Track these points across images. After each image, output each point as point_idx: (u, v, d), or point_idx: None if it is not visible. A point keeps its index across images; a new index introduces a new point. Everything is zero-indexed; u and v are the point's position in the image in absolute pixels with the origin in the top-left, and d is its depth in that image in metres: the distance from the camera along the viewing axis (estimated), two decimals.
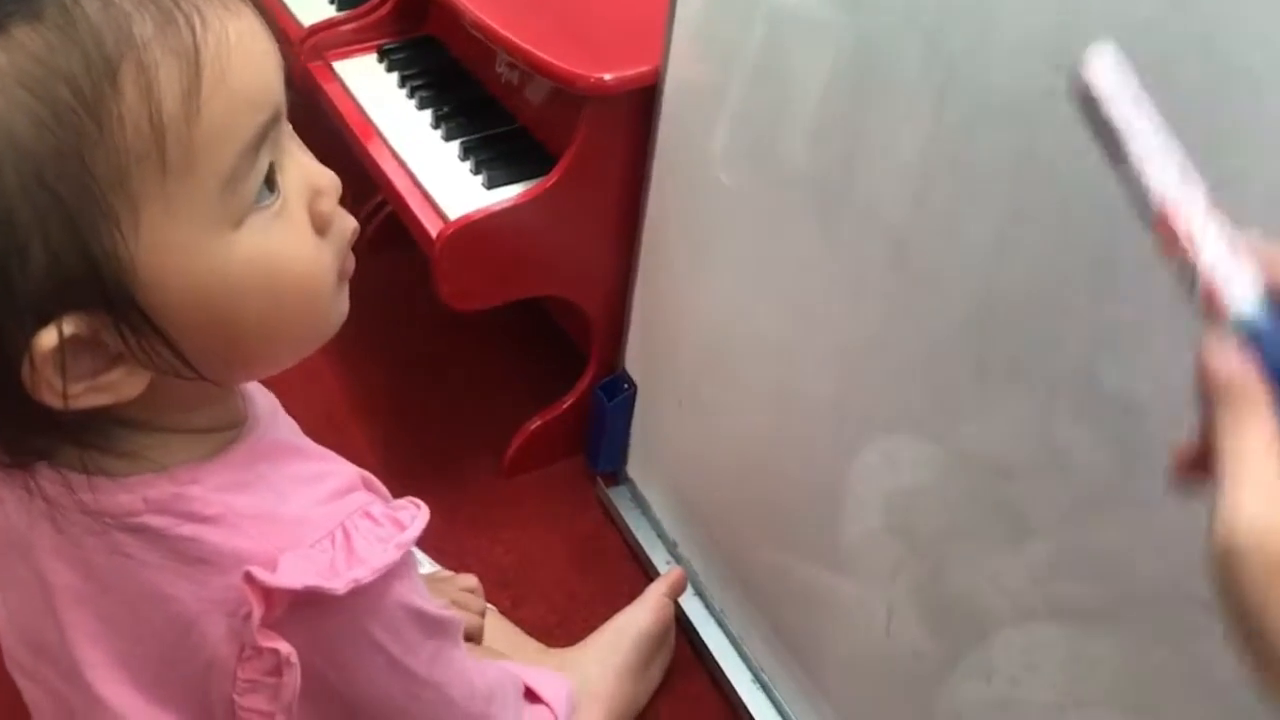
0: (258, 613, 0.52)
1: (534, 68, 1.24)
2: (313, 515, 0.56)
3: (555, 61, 1.21)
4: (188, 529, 0.54)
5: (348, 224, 0.56)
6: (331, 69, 1.59)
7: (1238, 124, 0.60)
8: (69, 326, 0.46)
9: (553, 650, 1.13)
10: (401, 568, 0.58)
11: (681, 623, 1.21)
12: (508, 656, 1.07)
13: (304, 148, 0.55)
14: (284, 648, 0.54)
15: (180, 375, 0.50)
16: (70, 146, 0.44)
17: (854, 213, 0.92)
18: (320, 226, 0.54)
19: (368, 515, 0.58)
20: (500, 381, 1.62)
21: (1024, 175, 0.74)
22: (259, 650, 0.54)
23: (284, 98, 0.52)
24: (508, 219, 1.25)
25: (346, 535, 0.56)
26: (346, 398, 1.57)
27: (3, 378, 0.47)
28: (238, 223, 0.49)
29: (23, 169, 0.43)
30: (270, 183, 0.51)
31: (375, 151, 1.42)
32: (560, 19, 1.32)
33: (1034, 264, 0.74)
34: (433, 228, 1.27)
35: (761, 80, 1.03)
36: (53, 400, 0.48)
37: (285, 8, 1.78)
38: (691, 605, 1.24)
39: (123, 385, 0.49)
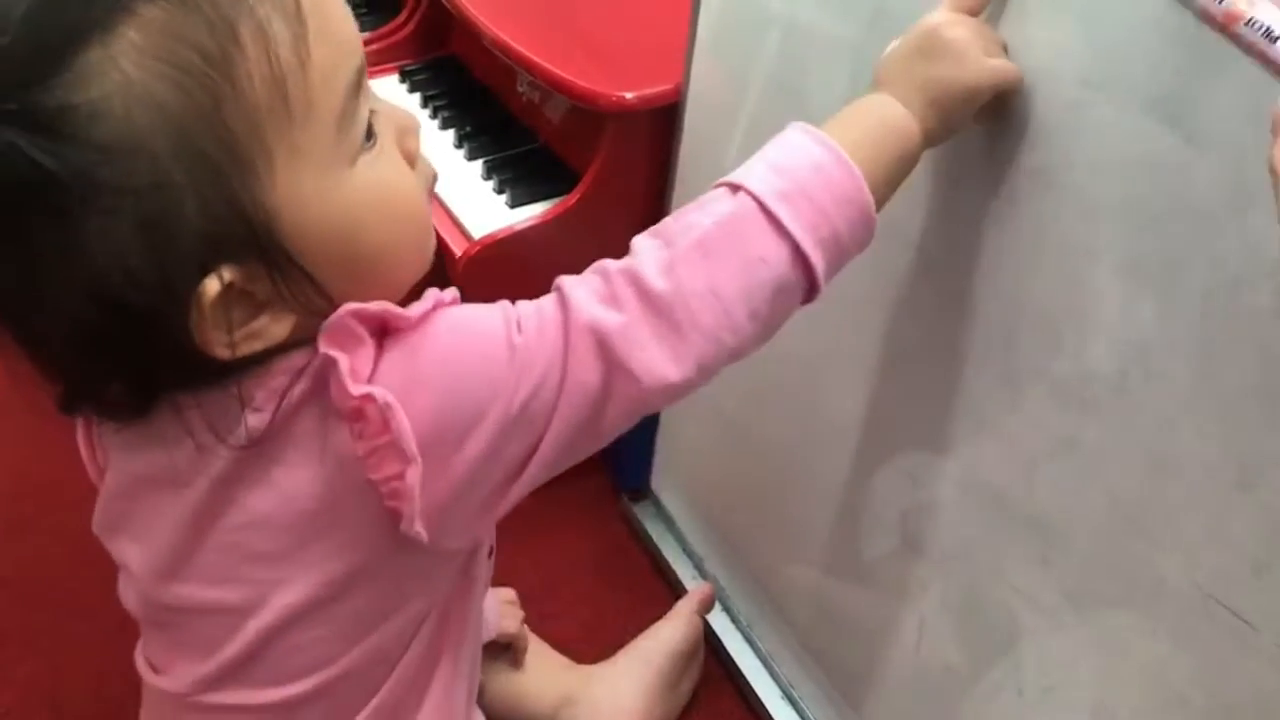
0: (344, 361, 0.53)
1: (555, 87, 1.25)
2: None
3: (576, 80, 1.22)
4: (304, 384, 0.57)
5: (429, 164, 0.64)
6: None
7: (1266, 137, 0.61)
8: (227, 275, 0.51)
9: (580, 666, 1.13)
10: (462, 306, 0.60)
11: (710, 639, 1.21)
12: (536, 673, 1.08)
13: (379, 96, 0.60)
14: (377, 391, 0.53)
15: (321, 311, 0.55)
16: (209, 107, 0.48)
17: (879, 228, 0.92)
18: (410, 160, 0.61)
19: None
20: None
21: (1048, 188, 0.74)
22: (360, 411, 0.54)
23: (361, 49, 0.58)
24: (531, 237, 1.26)
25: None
26: None
27: (170, 330, 0.51)
28: (353, 161, 0.55)
29: (171, 134, 0.47)
30: (370, 127, 0.56)
31: None
32: (581, 38, 1.33)
33: (1059, 274, 0.75)
34: (457, 247, 1.28)
35: (781, 97, 1.04)
36: (220, 350, 0.52)
37: None
38: (719, 621, 1.24)
39: (272, 329, 0.54)
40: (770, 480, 1.18)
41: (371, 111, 0.57)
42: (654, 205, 1.28)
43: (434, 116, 1.51)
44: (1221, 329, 0.64)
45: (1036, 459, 0.80)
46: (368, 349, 0.55)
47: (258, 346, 0.54)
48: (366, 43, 1.65)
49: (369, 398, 0.53)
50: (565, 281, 0.62)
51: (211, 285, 0.50)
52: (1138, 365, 0.70)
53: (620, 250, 1.30)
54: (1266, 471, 0.63)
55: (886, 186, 0.67)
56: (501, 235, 1.25)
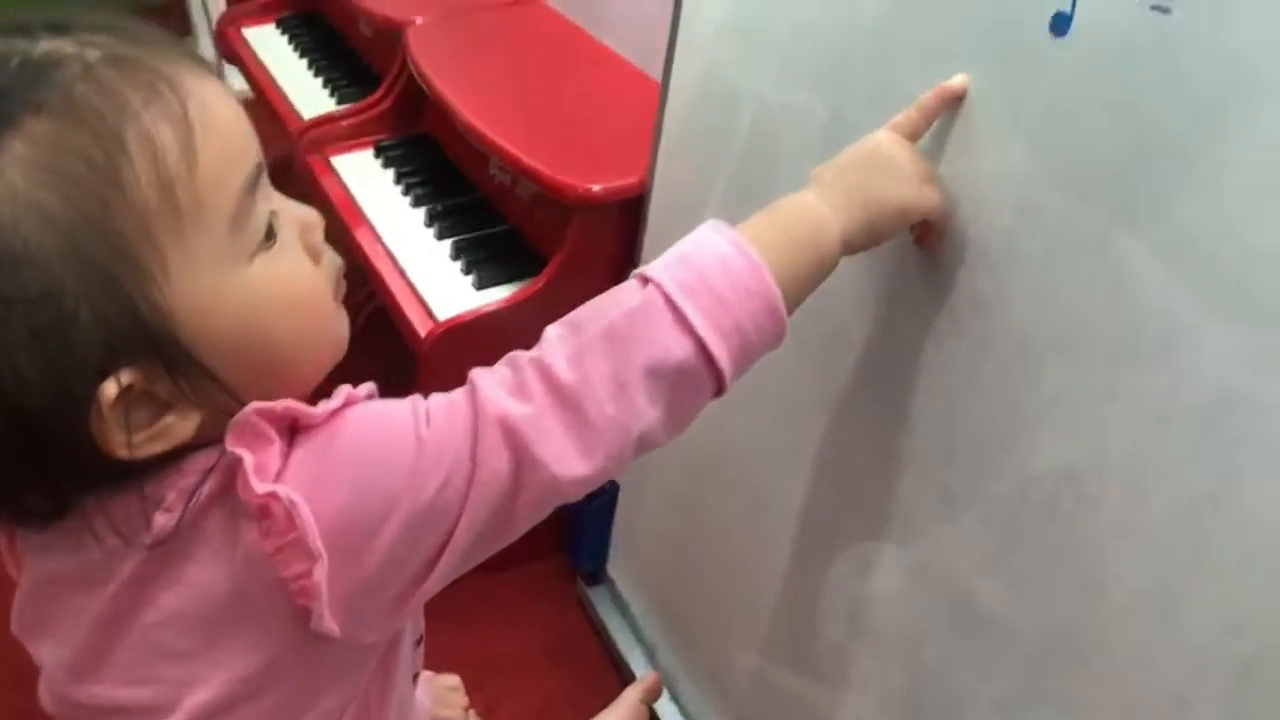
0: (249, 459, 0.53)
1: (525, 175, 1.28)
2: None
3: (545, 170, 1.24)
4: (212, 483, 0.56)
5: (336, 257, 0.63)
6: (329, 163, 1.63)
7: (1189, 275, 0.62)
8: (126, 377, 0.51)
9: None
10: (375, 402, 0.60)
11: None
12: None
13: (282, 194, 0.61)
14: (280, 489, 0.53)
15: (228, 409, 0.54)
16: (98, 215, 0.49)
17: (827, 332, 0.94)
18: (314, 256, 0.61)
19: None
20: None
21: (985, 313, 0.76)
22: (266, 509, 0.53)
23: (260, 150, 0.58)
24: (496, 321, 1.28)
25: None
26: None
27: (71, 436, 0.51)
28: (250, 259, 0.55)
29: (60, 242, 0.48)
30: (269, 227, 0.57)
31: (368, 247, 1.45)
32: (552, 127, 1.36)
33: (998, 397, 0.76)
34: (421, 327, 1.29)
35: (742, 194, 1.06)
36: (120, 451, 0.52)
37: (286, 100, 1.83)
38: (666, 710, 1.23)
39: (177, 429, 0.54)
40: (722, 568, 1.18)
41: (272, 211, 0.57)
42: None
43: (406, 193, 1.53)
44: (1150, 459, 0.66)
45: (971, 572, 0.81)
46: (276, 447, 0.55)
47: (162, 447, 0.54)
48: (343, 116, 1.69)
49: (274, 496, 0.53)
50: (476, 373, 0.62)
51: (109, 389, 0.50)
52: (1070, 489, 0.71)
53: None
54: (1189, 605, 0.64)
55: (797, 284, 0.68)
56: (467, 317, 1.27)
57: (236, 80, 2.56)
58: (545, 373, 0.59)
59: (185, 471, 0.56)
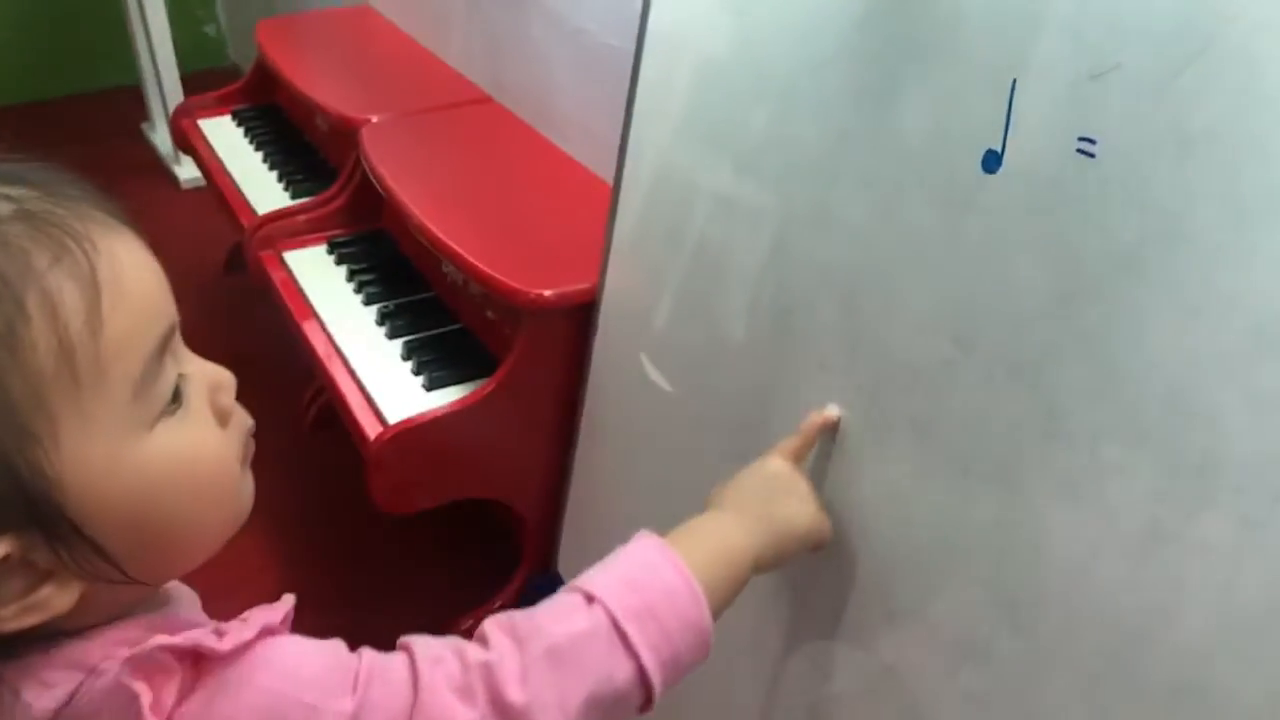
0: (147, 697, 0.50)
1: (477, 279, 1.29)
2: (193, 631, 0.54)
3: (498, 276, 1.26)
4: (74, 680, 0.52)
5: (246, 417, 0.59)
6: (281, 259, 1.63)
7: (1117, 413, 0.64)
8: (2, 547, 0.47)
9: None
10: (295, 640, 0.56)
11: None
12: None
13: (193, 353, 0.58)
14: None
15: (112, 580, 0.51)
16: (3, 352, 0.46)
17: (770, 442, 0.94)
18: (222, 419, 0.57)
19: (238, 620, 0.56)
20: (432, 576, 1.62)
21: (923, 435, 0.78)
22: None
23: (175, 308, 0.55)
24: (446, 424, 1.27)
25: (219, 630, 0.54)
26: (276, 585, 1.55)
27: None
28: (151, 425, 0.52)
29: None
30: (176, 391, 0.53)
31: (319, 346, 1.45)
32: (504, 230, 1.37)
33: (934, 525, 0.77)
34: (371, 430, 1.28)
35: (690, 303, 1.07)
36: None
37: (240, 194, 1.84)
38: None
39: (55, 600, 0.50)
40: None
41: (181, 375, 0.54)
42: (568, 395, 1.31)
43: (358, 291, 1.54)
44: (1083, 591, 0.67)
45: (917, 692, 0.81)
46: (176, 678, 0.51)
47: (34, 620, 0.50)
48: (298, 212, 1.70)
49: None
50: (418, 652, 0.59)
51: None
52: (1008, 616, 0.72)
53: (532, 437, 1.33)
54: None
55: (720, 609, 0.71)
56: (417, 421, 1.27)
57: (191, 170, 2.58)
58: (494, 686, 0.58)
59: (54, 661, 0.52)
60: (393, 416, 1.28)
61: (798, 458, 0.83)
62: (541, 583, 1.39)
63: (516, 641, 0.60)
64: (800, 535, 0.79)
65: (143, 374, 0.51)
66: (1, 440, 0.47)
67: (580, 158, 1.52)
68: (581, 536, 1.35)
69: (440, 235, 1.34)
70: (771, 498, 0.79)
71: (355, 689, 0.54)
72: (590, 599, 0.63)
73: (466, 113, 1.72)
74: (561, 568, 1.38)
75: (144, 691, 0.49)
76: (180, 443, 0.53)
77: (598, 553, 1.31)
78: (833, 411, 0.85)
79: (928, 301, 0.77)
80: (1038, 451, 0.69)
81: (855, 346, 0.84)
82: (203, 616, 0.63)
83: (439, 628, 1.50)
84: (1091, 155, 0.65)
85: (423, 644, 0.59)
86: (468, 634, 1.52)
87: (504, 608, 1.46)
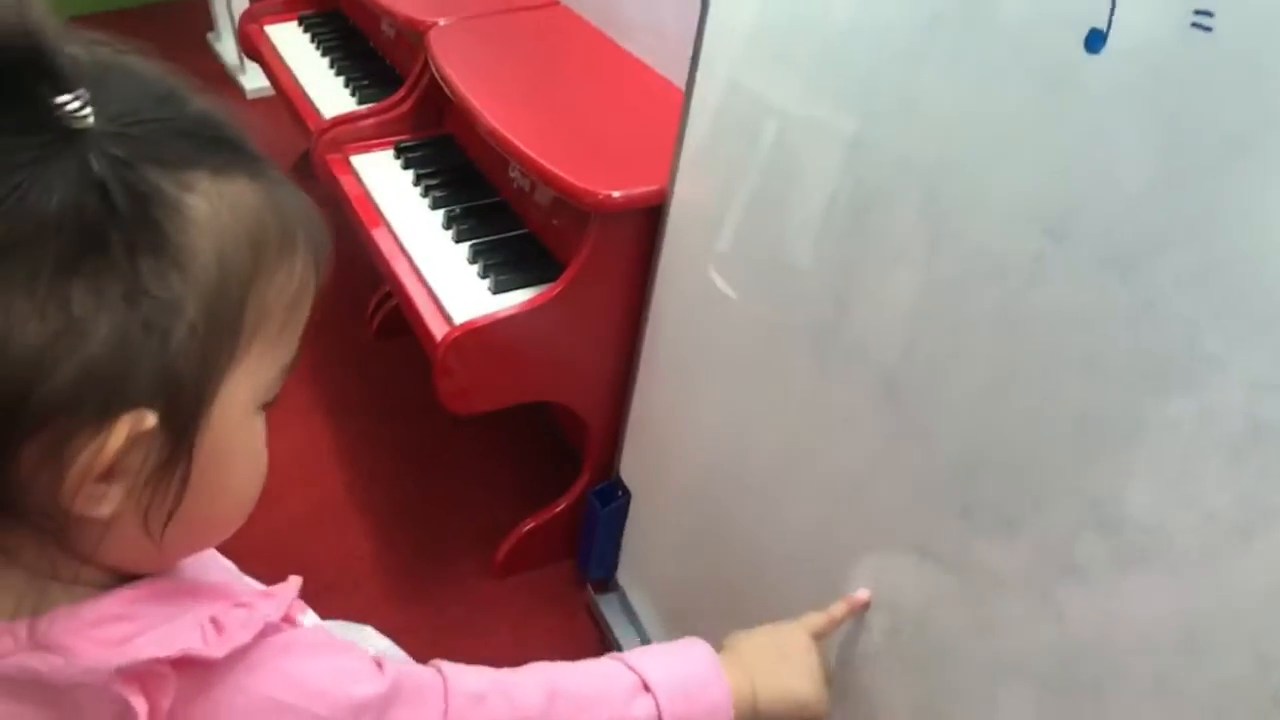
0: (143, 708, 0.49)
1: (545, 181, 1.27)
2: (185, 618, 0.53)
3: (566, 176, 1.24)
4: (58, 665, 0.50)
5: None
6: (349, 162, 1.63)
7: (1230, 300, 0.62)
8: (152, 418, 0.47)
9: None
10: (300, 643, 0.56)
11: None
12: None
13: None
14: None
15: (147, 529, 0.50)
16: (247, 275, 0.49)
17: (845, 348, 0.93)
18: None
19: (240, 605, 0.54)
20: (496, 479, 1.63)
21: (1011, 333, 0.75)
22: None
23: None
24: (512, 326, 1.27)
25: (217, 623, 0.53)
26: (344, 487, 1.57)
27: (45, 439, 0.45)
28: (262, 410, 0.54)
29: (214, 275, 0.47)
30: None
31: (386, 249, 1.44)
32: (573, 133, 1.35)
33: (1018, 420, 0.75)
34: (438, 331, 1.28)
35: (762, 209, 1.05)
36: (53, 478, 0.46)
37: (307, 98, 1.83)
38: None
39: (105, 502, 0.48)
40: (734, 580, 1.17)
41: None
42: (634, 300, 1.29)
43: (425, 195, 1.53)
44: (1176, 490, 0.65)
45: (988, 596, 0.80)
46: (172, 682, 0.50)
47: (87, 508, 0.47)
48: (364, 116, 1.69)
49: None
50: (453, 686, 0.62)
51: (147, 419, 0.46)
52: (1092, 515, 0.70)
53: (597, 343, 1.32)
54: (1215, 640, 0.63)
55: None
56: (483, 322, 1.26)
57: (256, 80, 2.58)
58: None
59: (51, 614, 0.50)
60: (459, 317, 1.28)
61: (819, 635, 0.88)
62: (604, 490, 1.39)
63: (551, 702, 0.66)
64: (798, 706, 0.82)
65: (293, 361, 0.54)
66: (220, 329, 0.48)
67: (650, 61, 1.49)
68: (643, 445, 1.35)
69: (508, 136, 1.32)
70: (782, 664, 0.83)
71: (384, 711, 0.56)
72: (645, 688, 0.69)
73: (533, 16, 1.69)
74: (624, 474, 1.38)
75: (140, 707, 0.49)
76: (260, 436, 0.55)
77: (659, 462, 1.31)
78: (863, 594, 0.91)
79: (1018, 191, 0.74)
80: (1130, 345, 0.66)
81: (938, 240, 0.81)
82: (215, 568, 0.62)
83: (502, 531, 1.51)
84: (1207, 29, 0.62)
85: (457, 675, 0.62)
86: (528, 537, 1.53)
87: (567, 512, 1.48)
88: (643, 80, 1.48)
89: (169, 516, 0.49)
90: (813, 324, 0.97)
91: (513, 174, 1.48)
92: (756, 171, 1.06)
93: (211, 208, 0.47)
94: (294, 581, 0.57)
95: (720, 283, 1.13)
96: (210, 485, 0.51)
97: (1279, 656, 0.59)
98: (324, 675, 0.56)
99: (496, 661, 1.33)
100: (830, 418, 0.97)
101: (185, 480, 0.49)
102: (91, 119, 0.44)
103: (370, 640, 0.97)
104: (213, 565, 0.61)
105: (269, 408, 0.54)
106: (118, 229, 0.44)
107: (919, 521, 0.86)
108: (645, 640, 1.34)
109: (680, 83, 1.19)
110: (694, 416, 1.23)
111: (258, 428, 0.54)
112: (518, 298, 1.32)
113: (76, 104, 0.43)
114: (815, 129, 0.96)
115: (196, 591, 0.55)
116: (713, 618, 1.23)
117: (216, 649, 0.51)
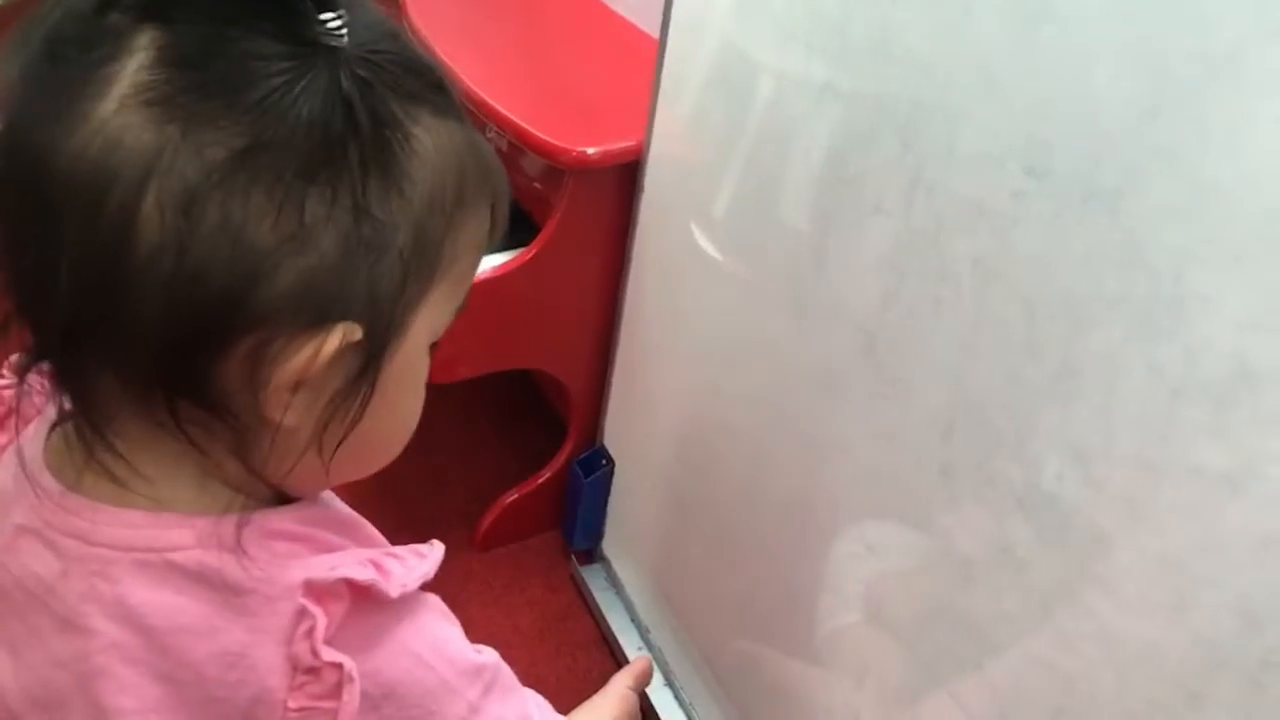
0: (322, 622, 0.50)
1: (517, 138, 1.23)
2: (349, 555, 0.54)
3: (538, 133, 1.19)
4: (233, 566, 0.51)
5: None
6: None
7: (1206, 235, 0.57)
8: (357, 333, 0.48)
9: None
10: (437, 607, 0.58)
11: (649, 713, 1.17)
12: None
13: None
14: (347, 662, 0.50)
15: (320, 447, 0.51)
16: (450, 212, 0.51)
17: (824, 303, 0.89)
18: None
19: (391, 554, 0.56)
20: (478, 449, 1.59)
21: (989, 278, 0.71)
22: (317, 671, 0.50)
23: None
24: (488, 291, 1.23)
25: (378, 564, 0.54)
26: None
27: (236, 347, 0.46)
28: (434, 346, 0.55)
29: (427, 200, 0.49)
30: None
31: None
32: (548, 89, 1.31)
33: (999, 368, 0.71)
34: None
35: (738, 160, 1.01)
36: (248, 379, 0.47)
37: None
38: (660, 696, 1.20)
39: (293, 411, 0.49)
40: (718, 553, 1.14)
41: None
42: (613, 261, 1.25)
43: None
44: (1162, 437, 0.61)
45: (971, 555, 0.76)
46: (343, 606, 0.51)
47: (274, 411, 0.49)
48: None
49: (337, 666, 0.50)
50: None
51: (357, 332, 0.48)
52: (1075, 469, 0.66)
53: (576, 305, 1.29)
54: (1202, 596, 0.59)
55: None
56: None
57: None
58: None
59: (169, 522, 0.51)
60: None
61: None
62: (587, 458, 1.36)
63: None
64: None
65: (461, 306, 0.55)
66: (427, 256, 0.50)
67: (622, 10, 1.45)
68: (626, 411, 1.31)
69: (480, 93, 1.27)
70: None
71: (483, 689, 0.58)
72: None
73: None
74: (608, 442, 1.35)
75: (320, 617, 0.50)
76: (425, 371, 0.56)
77: (642, 428, 1.28)
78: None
79: (995, 129, 0.70)
80: (1114, 284, 0.62)
81: (914, 185, 0.77)
82: (344, 511, 0.63)
83: (484, 503, 1.48)
84: None
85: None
86: (511, 508, 1.50)
87: (551, 482, 1.44)
88: (617, 31, 1.43)
89: (345, 437, 0.51)
90: (791, 279, 0.93)
91: (489, 134, 1.44)
92: (732, 122, 1.01)
93: (433, 142, 0.49)
94: (438, 548, 0.57)
95: (700, 239, 1.09)
96: (381, 413, 0.52)
97: (1269, 616, 0.56)
98: (454, 641, 0.58)
99: (479, 634, 1.30)
100: (811, 376, 0.93)
101: (366, 403, 0.51)
102: (347, 39, 0.45)
103: None
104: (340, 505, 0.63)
105: (434, 350, 0.55)
106: (357, 146, 0.46)
107: (900, 478, 0.82)
108: (631, 614, 1.31)
109: (654, 33, 1.15)
110: (676, 379, 1.19)
111: (426, 363, 0.55)
112: (494, 261, 1.28)
113: (337, 23, 0.45)
114: (789, 75, 0.92)
115: (352, 526, 0.58)
116: (699, 587, 1.20)
117: (392, 588, 0.52)
